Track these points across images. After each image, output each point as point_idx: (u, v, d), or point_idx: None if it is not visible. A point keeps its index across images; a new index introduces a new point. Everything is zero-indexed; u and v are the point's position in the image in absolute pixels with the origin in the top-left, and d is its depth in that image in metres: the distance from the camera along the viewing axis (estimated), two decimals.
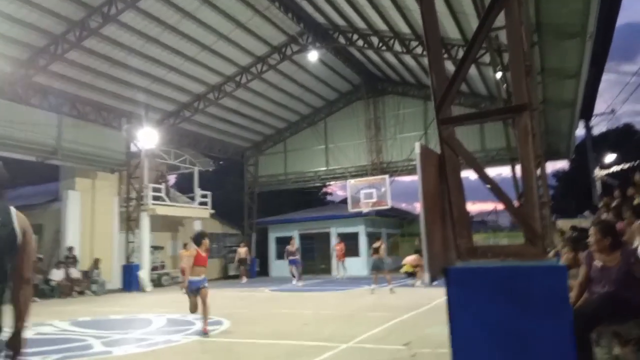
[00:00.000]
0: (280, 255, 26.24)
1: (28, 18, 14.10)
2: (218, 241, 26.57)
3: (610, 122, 31.50)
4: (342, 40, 19.64)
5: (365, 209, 23.10)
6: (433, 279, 2.66)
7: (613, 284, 4.17)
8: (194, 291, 7.87)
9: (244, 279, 21.28)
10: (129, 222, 19.54)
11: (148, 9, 15.40)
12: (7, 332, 2.36)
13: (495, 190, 3.04)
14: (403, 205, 48.98)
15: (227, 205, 29.34)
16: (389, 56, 21.20)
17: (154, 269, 20.69)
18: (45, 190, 21.67)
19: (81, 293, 17.00)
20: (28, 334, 6.77)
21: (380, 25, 17.84)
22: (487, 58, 14.38)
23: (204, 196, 23.00)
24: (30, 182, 27.12)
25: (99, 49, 16.25)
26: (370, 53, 21.59)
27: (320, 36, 19.39)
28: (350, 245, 24.15)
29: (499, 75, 12.69)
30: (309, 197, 36.35)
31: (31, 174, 28.91)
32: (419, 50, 17.81)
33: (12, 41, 14.65)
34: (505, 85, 12.77)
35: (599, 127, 35.96)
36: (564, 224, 17.67)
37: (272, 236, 26.78)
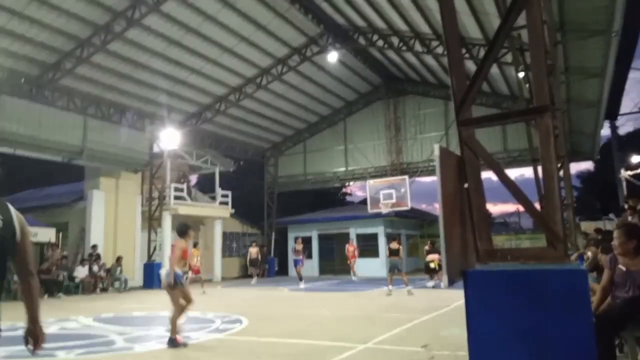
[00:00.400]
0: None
1: (55, 22, 14.47)
2: (238, 240, 26.85)
3: (638, 121, 30.68)
4: (362, 41, 19.62)
5: (384, 210, 23.00)
6: (451, 281, 2.66)
7: (638, 288, 4.08)
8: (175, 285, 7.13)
9: (254, 280, 20.48)
10: (151, 221, 19.86)
11: (170, 12, 15.63)
12: (25, 326, 2.43)
13: (516, 192, 3.02)
14: (423, 206, 48.69)
15: (247, 205, 29.59)
16: (409, 56, 21.07)
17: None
18: (71, 189, 22.20)
19: (104, 290, 17.36)
20: (52, 328, 6.90)
21: (401, 25, 17.76)
22: (509, 57, 14.17)
23: (225, 196, 23.23)
24: (56, 182, 27.84)
25: (123, 52, 16.56)
26: (390, 53, 21.49)
27: (340, 37, 19.40)
28: (370, 246, 24.13)
29: (521, 74, 12.49)
30: (328, 198, 36.39)
31: (58, 174, 29.67)
32: (439, 50, 17.67)
33: (40, 45, 15.05)
34: (527, 85, 12.58)
35: (626, 126, 35.10)
36: (588, 226, 17.35)
37: (292, 236, 26.88)
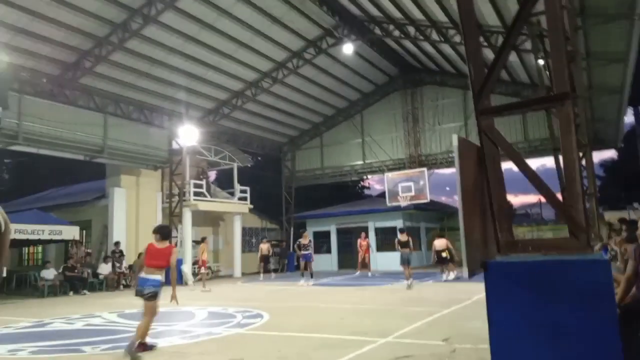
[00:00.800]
0: (317, 250, 26.39)
1: (74, 22, 14.67)
2: (257, 235, 27.00)
3: None
4: (378, 31, 19.45)
5: (403, 203, 22.86)
6: (472, 273, 2.62)
7: None
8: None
9: (265, 276, 20.16)
10: (172, 218, 20.10)
11: (186, 8, 15.71)
12: None
13: (536, 182, 2.95)
14: (443, 199, 48.13)
15: (266, 200, 29.74)
16: (426, 46, 20.82)
17: (196, 262, 21.21)
18: (93, 187, 22.60)
19: (127, 286, 17.64)
20: (78, 324, 7.00)
21: (417, 14, 17.55)
22: (528, 44, 13.90)
23: (243, 191, 23.36)
24: (79, 180, 28.38)
25: (140, 50, 16.73)
26: (407, 43, 21.26)
27: (355, 28, 19.26)
28: (389, 239, 24.00)
29: (541, 62, 12.24)
30: (346, 192, 36.35)
31: (80, 172, 30.24)
32: (457, 38, 17.42)
33: (60, 45, 15.29)
34: (548, 72, 12.32)
35: None
36: (611, 216, 16.98)
37: (310, 230, 26.88)
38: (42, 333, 8.15)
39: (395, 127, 25.49)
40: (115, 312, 10.54)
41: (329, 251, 25.99)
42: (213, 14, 16.42)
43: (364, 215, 25.42)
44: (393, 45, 22.13)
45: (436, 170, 24.43)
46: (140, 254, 7.03)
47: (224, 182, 28.13)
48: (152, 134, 19.80)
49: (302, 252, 17.34)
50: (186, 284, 18.50)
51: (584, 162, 12.13)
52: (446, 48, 20.28)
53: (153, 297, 6.37)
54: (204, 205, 20.86)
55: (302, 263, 17.78)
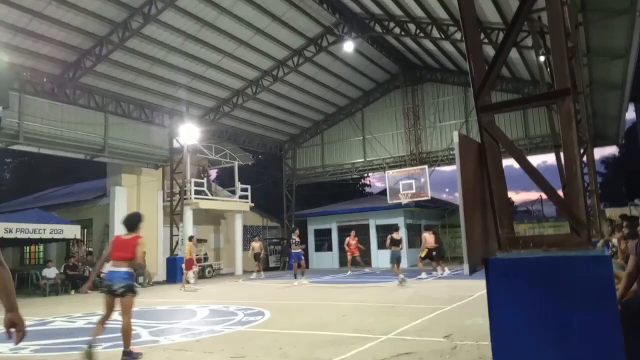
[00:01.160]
0: (318, 247, 26.43)
1: (74, 21, 14.68)
2: (258, 234, 27.02)
3: None
4: (378, 28, 19.43)
5: (404, 201, 22.85)
6: (473, 269, 2.62)
7: None
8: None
9: (254, 274, 19.99)
10: (173, 216, 20.12)
11: (186, 7, 15.71)
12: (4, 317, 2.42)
13: (537, 178, 2.95)
14: (444, 196, 48.28)
15: (267, 199, 29.76)
16: (427, 43, 20.81)
17: (197, 261, 21.24)
18: (94, 186, 22.64)
19: None
20: (79, 323, 7.03)
21: (417, 11, 17.53)
22: (529, 41, 13.88)
23: (244, 190, 23.39)
24: (79, 179, 28.41)
25: (141, 49, 16.74)
26: (408, 40, 21.25)
27: (356, 26, 19.24)
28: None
29: (542, 58, 12.21)
30: (347, 189, 36.29)
31: (81, 171, 30.26)
32: (457, 35, 17.40)
33: (60, 44, 15.30)
34: (549, 69, 12.30)
35: None
36: (613, 212, 16.97)
37: (311, 228, 26.93)
38: (44, 331, 8.17)
39: (396, 125, 25.49)
40: (117, 310, 10.54)
41: (330, 249, 26.00)
42: (213, 13, 16.41)
43: (365, 213, 25.42)
44: (393, 42, 22.11)
45: (437, 168, 24.44)
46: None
47: (225, 180, 28.16)
48: (152, 132, 19.81)
49: (294, 250, 16.73)
50: (187, 282, 18.50)
51: (585, 158, 12.12)
52: (447, 45, 20.27)
53: (127, 292, 5.87)
54: (205, 204, 20.88)
55: (294, 263, 16.80)
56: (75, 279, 15.99)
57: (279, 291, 13.83)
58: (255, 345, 6.45)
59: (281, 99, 23.37)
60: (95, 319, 9.44)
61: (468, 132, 21.46)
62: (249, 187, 23.59)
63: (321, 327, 7.55)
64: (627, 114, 19.63)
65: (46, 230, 15.66)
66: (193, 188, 20.49)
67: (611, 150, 39.29)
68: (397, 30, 19.02)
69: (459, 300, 9.71)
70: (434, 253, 16.27)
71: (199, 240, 22.13)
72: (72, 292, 15.63)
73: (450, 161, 23.49)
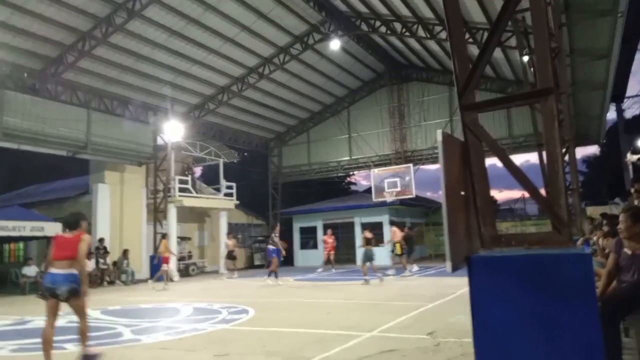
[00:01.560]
0: (304, 245, 26.43)
1: (56, 16, 14.41)
2: (243, 231, 26.94)
3: None
4: (364, 27, 19.45)
5: (389, 199, 22.97)
6: (455, 267, 2.63)
7: None
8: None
9: (229, 273, 19.12)
10: (157, 214, 19.93)
11: (171, 2, 15.54)
12: None
13: (519, 176, 2.97)
14: (428, 194, 48.60)
15: (252, 196, 29.63)
16: (413, 42, 20.90)
17: (181, 259, 21.10)
18: (76, 183, 22.30)
19: (111, 283, 17.50)
20: (60, 321, 6.87)
21: (403, 10, 17.59)
22: (513, 41, 14.01)
23: (229, 187, 23.26)
24: (61, 176, 27.95)
25: (125, 44, 16.51)
26: (394, 39, 21.33)
27: (342, 24, 19.24)
28: (375, 235, 24.08)
29: (525, 58, 12.35)
30: (332, 187, 36.36)
31: (62, 168, 29.78)
32: (443, 35, 17.50)
33: (42, 39, 15.02)
34: (532, 69, 12.44)
35: (632, 110, 34.75)
36: (594, 210, 17.25)
37: (297, 226, 26.93)
38: (23, 331, 8.03)
39: (382, 123, 25.58)
40: (98, 309, 10.42)
41: (315, 247, 26.00)
42: (199, 9, 16.26)
43: (350, 211, 25.49)
44: (379, 41, 22.17)
45: (422, 166, 24.59)
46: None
47: (210, 178, 27.94)
48: (136, 129, 19.57)
49: (271, 246, 15.90)
50: (171, 280, 18.36)
51: (567, 157, 12.27)
52: (432, 44, 20.39)
53: (72, 296, 5.46)
54: (190, 202, 20.72)
55: (272, 261, 15.77)
56: None
57: (263, 289, 13.79)
58: (239, 343, 6.43)
59: (267, 96, 23.27)
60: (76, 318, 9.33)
61: (452, 131, 21.62)
62: (234, 184, 23.48)
63: (306, 324, 7.55)
64: (608, 114, 20.00)
65: (26, 227, 15.39)
66: (177, 185, 20.31)
67: (592, 149, 39.94)
68: (383, 29, 19.07)
69: (443, 298, 9.79)
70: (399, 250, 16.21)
71: (183, 239, 21.98)
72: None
73: (435, 160, 23.63)
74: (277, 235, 16.28)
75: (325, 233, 20.08)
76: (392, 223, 16.73)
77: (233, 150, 24.34)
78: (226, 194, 23.06)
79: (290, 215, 27.47)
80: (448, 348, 5.49)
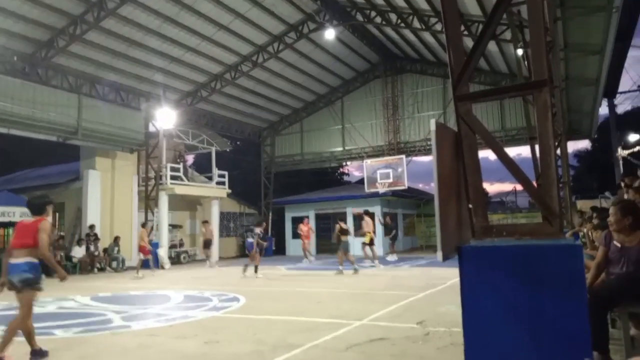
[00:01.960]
0: (296, 235, 26.47)
1: None
2: (235, 220, 26.93)
3: (636, 100, 30.57)
4: (359, 17, 19.34)
5: (381, 190, 23.02)
6: (446, 257, 2.64)
7: (633, 264, 4.10)
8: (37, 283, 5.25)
9: (208, 263, 18.74)
10: (148, 201, 19.84)
11: None
12: None
13: (512, 167, 2.98)
14: (420, 186, 48.78)
15: (245, 185, 29.59)
16: (408, 33, 20.83)
17: (172, 246, 21.06)
18: (67, 169, 22.10)
19: (101, 270, 17.44)
20: (50, 307, 6.85)
21: (399, 1, 17.50)
22: (508, 35, 14.01)
23: (222, 176, 23.19)
24: (52, 162, 27.71)
25: (117, 30, 16.30)
26: (389, 30, 21.24)
27: (337, 14, 19.11)
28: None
29: (520, 52, 12.35)
30: (325, 178, 36.39)
31: (53, 154, 29.52)
32: (438, 27, 17.45)
33: (32, 22, 14.79)
34: (526, 63, 12.45)
35: (624, 105, 34.93)
36: (584, 204, 17.42)
37: (289, 216, 26.95)
38: (13, 317, 7.98)
39: (375, 114, 25.55)
40: (88, 295, 10.40)
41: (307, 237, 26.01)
42: None
43: (342, 201, 25.53)
44: (375, 32, 22.08)
45: (414, 158, 24.64)
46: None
47: (202, 166, 27.84)
48: (128, 116, 19.41)
49: (248, 239, 14.78)
50: (162, 267, 18.34)
51: (558, 151, 12.35)
52: (427, 36, 20.33)
53: (26, 286, 5.07)
54: (181, 189, 20.64)
55: (253, 251, 14.45)
56: (46, 263, 15.65)
57: (254, 278, 13.80)
58: (230, 330, 6.44)
59: (260, 85, 23.13)
60: (68, 304, 9.30)
61: (445, 124, 21.62)
62: (226, 173, 23.40)
63: (296, 313, 7.57)
64: (600, 109, 20.11)
65: (16, 213, 15.26)
66: (169, 173, 20.20)
67: (584, 144, 40.24)
68: (378, 19, 18.97)
69: (433, 288, 9.86)
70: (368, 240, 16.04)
71: (174, 227, 21.93)
72: (43, 276, 15.30)
73: (428, 152, 23.69)
74: (260, 232, 14.84)
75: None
76: (366, 213, 16.51)
77: (225, 139, 24.23)
78: (218, 183, 22.99)
79: (283, 205, 27.47)
80: (437, 337, 5.53)
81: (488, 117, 22.09)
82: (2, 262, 5.13)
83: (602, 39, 12.06)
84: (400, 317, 6.91)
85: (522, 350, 2.54)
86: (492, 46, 18.30)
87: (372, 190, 23.31)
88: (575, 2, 10.85)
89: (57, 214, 18.41)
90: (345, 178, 43.81)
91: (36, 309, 8.60)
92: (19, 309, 5.07)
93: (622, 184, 7.55)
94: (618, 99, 23.59)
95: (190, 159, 30.35)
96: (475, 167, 3.16)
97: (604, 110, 22.83)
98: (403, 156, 23.28)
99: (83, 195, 18.83)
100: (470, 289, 2.69)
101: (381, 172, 23.08)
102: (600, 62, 13.53)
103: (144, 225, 16.40)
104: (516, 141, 22.01)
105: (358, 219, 16.26)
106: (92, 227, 17.98)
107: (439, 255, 2.60)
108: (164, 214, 19.74)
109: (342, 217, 15.69)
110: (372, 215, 17.10)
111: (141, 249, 15.63)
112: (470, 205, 3.01)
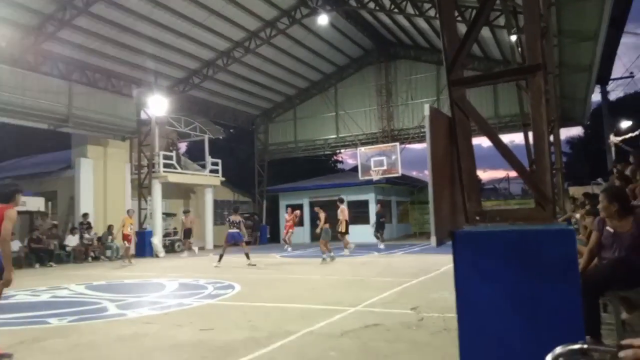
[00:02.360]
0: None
1: None
2: (229, 208, 26.86)
3: (628, 87, 30.65)
4: (353, 2, 19.17)
5: (375, 177, 23.05)
6: (440, 242, 2.64)
7: (625, 250, 4.13)
8: None
9: (186, 253, 18.52)
10: (141, 189, 19.75)
11: None
12: None
13: (506, 152, 2.98)
14: (414, 173, 48.82)
15: (238, 173, 29.50)
16: (402, 19, 20.69)
17: (166, 235, 21.03)
18: (58, 157, 21.93)
19: (96, 258, 17.40)
20: (44, 296, 6.82)
21: None
22: (502, 21, 13.96)
23: (215, 164, 23.11)
24: (43, 149, 27.46)
25: (107, 15, 16.08)
26: (382, 16, 21.09)
27: None
28: (361, 213, 24.25)
29: (513, 38, 12.31)
30: (319, 165, 36.35)
31: (44, 141, 29.24)
32: (432, 12, 17.34)
33: (21, 7, 14.56)
34: (520, 49, 12.42)
35: (616, 92, 35.03)
36: (576, 190, 17.53)
37: (283, 204, 26.94)
38: (6, 305, 7.95)
39: (369, 101, 25.49)
40: (82, 284, 10.38)
41: (301, 224, 26.07)
42: None
43: (336, 189, 25.50)
44: (368, 17, 21.92)
45: (408, 145, 24.65)
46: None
47: (195, 154, 27.70)
48: (119, 103, 19.23)
49: (232, 230, 14.27)
50: (156, 256, 18.33)
51: (551, 137, 12.38)
52: (421, 22, 20.21)
53: None
54: (174, 177, 20.56)
55: (225, 245, 14.36)
56: (40, 252, 15.61)
57: (250, 265, 13.82)
58: (225, 318, 6.45)
59: (253, 71, 22.96)
60: (62, 292, 9.28)
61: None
62: (219, 161, 23.32)
63: (291, 300, 7.60)
64: (593, 96, 20.15)
65: None
66: (162, 161, 20.10)
67: (576, 131, 40.37)
68: (371, 5, 18.81)
69: (426, 274, 9.92)
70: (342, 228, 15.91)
71: (168, 215, 21.86)
72: (37, 265, 15.27)
73: (421, 139, 23.71)
74: (238, 222, 14.33)
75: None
76: (340, 201, 16.31)
77: (219, 127, 24.10)
78: (212, 171, 22.93)
79: (277, 192, 27.46)
80: (431, 323, 5.57)
81: (482, 104, 22.08)
82: None
83: (596, 25, 12.04)
84: (394, 303, 6.95)
85: (515, 334, 2.55)
86: (486, 32, 18.23)
87: (366, 177, 23.34)
88: None
89: (49, 203, 18.29)
90: (339, 166, 43.83)
91: (29, 298, 8.61)
92: None
93: (614, 171, 7.59)
94: (610, 86, 23.68)
95: (183, 146, 30.19)
96: (468, 152, 3.14)
97: (596, 97, 22.91)
98: (397, 143, 23.27)
99: (75, 184, 18.72)
100: (464, 273, 2.70)
101: (375, 160, 23.09)
102: (593, 48, 13.53)
103: (128, 212, 16.26)
104: (509, 128, 22.06)
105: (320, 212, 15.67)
106: (85, 215, 17.90)
107: (433, 240, 2.60)
108: (157, 202, 19.68)
109: (343, 201, 15.51)
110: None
111: (124, 236, 15.47)
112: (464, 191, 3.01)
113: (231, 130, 33.37)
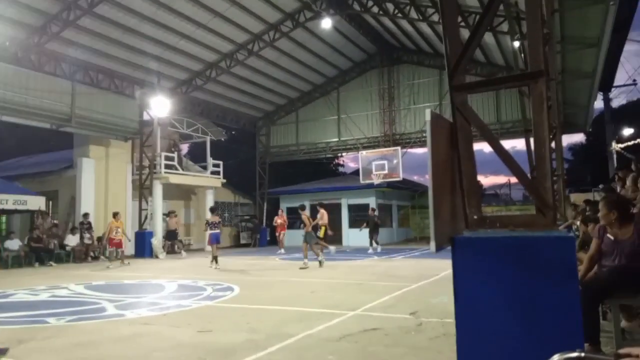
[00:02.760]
0: (290, 225, 26.47)
1: None
2: (230, 210, 26.90)
3: (631, 94, 30.63)
4: (356, 6, 19.22)
5: (376, 181, 23.04)
6: (439, 247, 2.63)
7: (625, 257, 4.12)
8: None
9: (163, 255, 18.27)
10: (142, 190, 19.76)
11: None
12: None
13: (507, 158, 2.97)
14: (415, 178, 48.78)
15: (240, 175, 29.52)
16: (405, 24, 20.72)
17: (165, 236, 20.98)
18: (60, 157, 21.95)
19: (95, 258, 17.39)
20: (43, 296, 6.83)
21: None
22: (505, 27, 13.97)
23: (216, 165, 23.12)
24: (45, 149, 27.51)
25: (111, 16, 16.12)
26: (386, 20, 21.11)
27: (334, 2, 18.98)
28: (361, 216, 24.22)
29: (516, 44, 12.32)
30: (320, 168, 36.36)
31: (46, 141, 29.30)
32: (435, 17, 17.37)
33: (26, 7, 14.61)
34: (523, 55, 12.43)
35: (619, 99, 34.96)
36: (577, 197, 17.50)
37: (284, 206, 26.89)
38: (5, 304, 7.96)
39: (371, 105, 25.49)
40: (82, 283, 10.37)
41: (302, 227, 26.07)
42: None
43: (337, 192, 25.55)
44: (372, 22, 21.95)
45: (409, 150, 24.64)
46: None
47: (197, 155, 27.75)
48: (122, 103, 19.27)
49: (213, 231, 14.06)
50: (156, 257, 18.32)
51: (553, 144, 12.38)
52: (424, 27, 20.24)
53: None
54: (175, 179, 20.57)
55: (213, 247, 14.01)
56: (40, 251, 15.62)
57: (249, 267, 13.82)
58: (223, 320, 6.44)
59: (256, 74, 22.99)
60: (61, 292, 9.28)
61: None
62: (221, 162, 23.33)
63: (290, 302, 7.59)
64: (595, 103, 20.14)
65: (9, 200, 15.16)
66: (163, 162, 20.11)
67: (578, 137, 40.36)
68: (375, 9, 18.85)
69: (426, 279, 9.90)
70: (329, 232, 15.73)
71: (166, 215, 21.82)
72: (37, 264, 15.27)
73: (423, 143, 23.69)
74: (217, 222, 14.27)
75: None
76: (321, 205, 16.11)
77: (220, 128, 24.12)
78: (213, 172, 22.93)
79: (278, 195, 27.45)
80: (430, 328, 5.56)
81: (484, 109, 22.09)
82: None
83: (599, 32, 12.03)
84: (393, 308, 6.94)
85: (513, 340, 2.54)
86: (489, 38, 18.25)
87: (367, 181, 23.32)
88: None
89: (50, 202, 18.31)
90: (341, 169, 43.83)
91: (29, 297, 8.60)
92: None
93: (617, 177, 7.58)
94: (613, 93, 23.63)
95: (184, 148, 30.23)
96: (469, 157, 3.14)
97: (599, 104, 22.90)
98: (398, 148, 23.26)
99: (77, 184, 18.74)
100: (463, 279, 2.69)
101: (376, 164, 23.08)
102: (596, 55, 13.51)
103: (114, 215, 15.28)
104: (511, 134, 22.05)
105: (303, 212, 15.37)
106: (86, 215, 17.90)
107: (432, 245, 2.59)
108: (158, 203, 19.68)
109: (304, 207, 15.26)
110: (324, 206, 16.65)
111: (111, 241, 14.90)
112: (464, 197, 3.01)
113: (233, 132, 33.42)
